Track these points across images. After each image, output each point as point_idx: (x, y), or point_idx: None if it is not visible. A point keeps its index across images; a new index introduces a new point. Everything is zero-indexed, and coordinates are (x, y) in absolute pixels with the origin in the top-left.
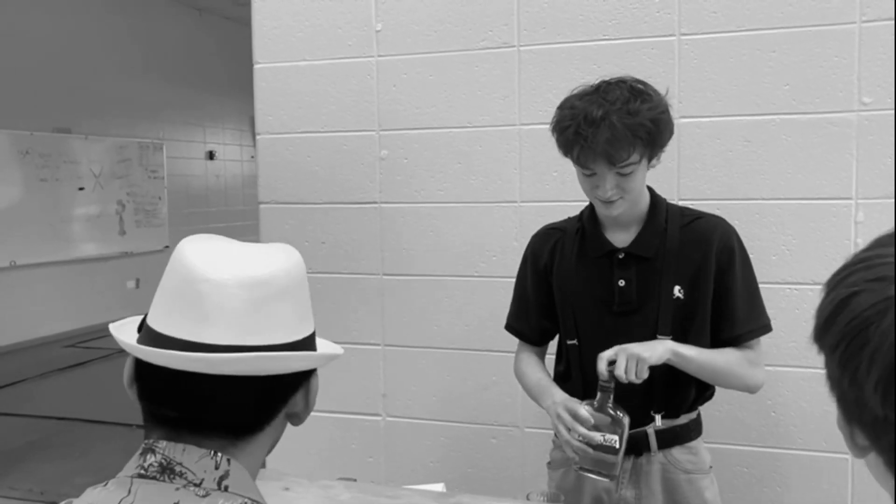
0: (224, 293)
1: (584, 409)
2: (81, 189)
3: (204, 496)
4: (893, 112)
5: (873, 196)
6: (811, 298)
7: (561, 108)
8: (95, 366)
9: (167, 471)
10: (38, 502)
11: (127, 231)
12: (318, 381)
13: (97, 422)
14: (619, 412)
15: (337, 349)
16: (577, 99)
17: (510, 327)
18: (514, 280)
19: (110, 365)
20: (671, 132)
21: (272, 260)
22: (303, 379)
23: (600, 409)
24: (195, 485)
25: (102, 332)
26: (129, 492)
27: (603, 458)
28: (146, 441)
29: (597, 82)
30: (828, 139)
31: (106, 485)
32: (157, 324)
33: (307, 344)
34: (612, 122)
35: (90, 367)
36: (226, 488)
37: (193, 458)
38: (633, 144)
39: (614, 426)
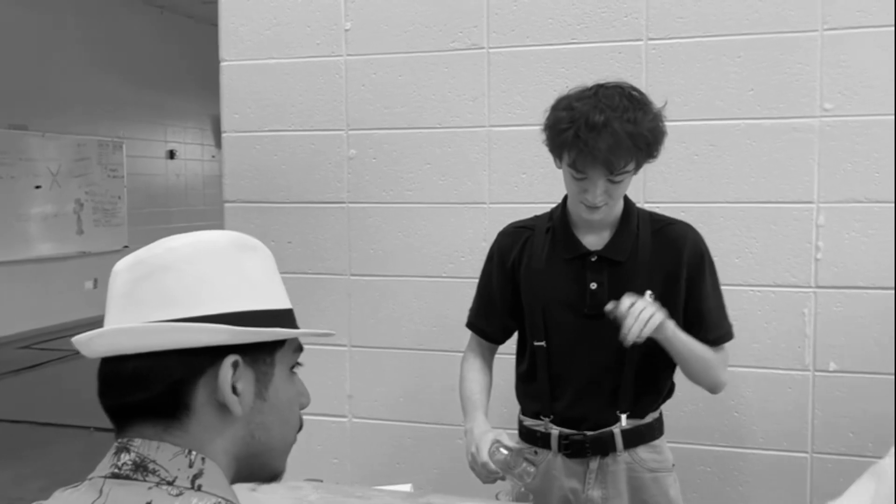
0: (115, 280)
1: (492, 466)
2: (38, 187)
3: (177, 495)
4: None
5: (834, 200)
6: (773, 300)
7: (556, 108)
8: (51, 367)
9: (140, 468)
10: None
11: (85, 230)
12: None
13: (53, 424)
14: (529, 473)
15: (235, 329)
16: (574, 100)
17: (472, 325)
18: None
19: (67, 367)
20: (663, 144)
21: (167, 242)
22: (212, 360)
23: (515, 466)
24: (168, 483)
25: (59, 334)
26: (101, 493)
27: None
28: (119, 440)
29: (592, 85)
30: (790, 144)
31: (78, 486)
32: None
33: (212, 322)
34: (614, 129)
35: (46, 368)
36: (199, 487)
37: (167, 455)
38: (632, 154)
39: (519, 477)
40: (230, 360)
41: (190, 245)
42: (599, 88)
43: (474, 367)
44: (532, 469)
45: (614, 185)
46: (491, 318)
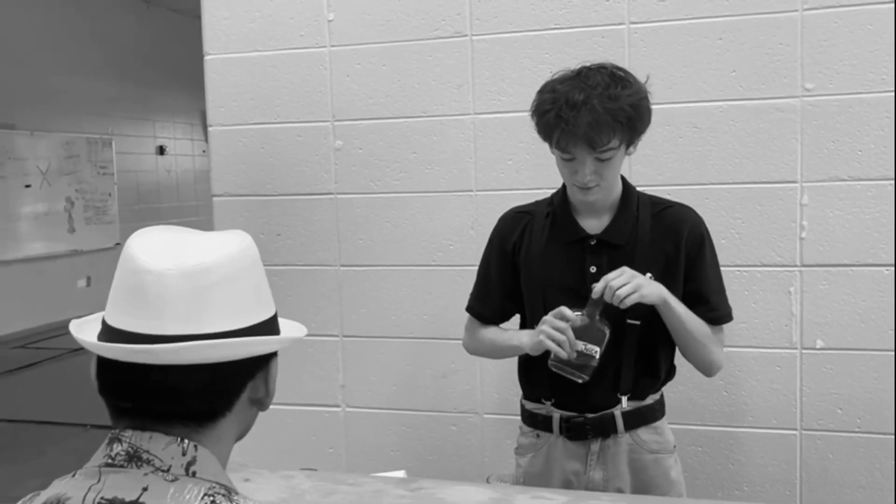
0: (165, 283)
1: (571, 312)
2: (28, 186)
3: (172, 481)
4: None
5: (817, 179)
6: (760, 280)
7: (541, 92)
8: (46, 366)
9: (134, 459)
10: None
11: (76, 228)
12: (278, 367)
13: (49, 423)
14: (604, 325)
15: (294, 332)
16: (557, 83)
17: (472, 309)
18: (471, 268)
19: (61, 365)
20: (650, 119)
21: (216, 247)
22: (261, 364)
23: (588, 318)
24: (163, 471)
25: (53, 333)
26: (99, 479)
27: (579, 363)
28: (112, 431)
29: (577, 68)
30: (773, 124)
31: (74, 475)
32: (110, 317)
33: (261, 329)
34: (593, 105)
35: (40, 367)
36: (193, 474)
37: (160, 445)
38: (614, 129)
39: (597, 336)
40: (276, 362)
41: (241, 254)
42: (583, 70)
43: (487, 329)
44: (607, 330)
45: (603, 164)
46: (489, 301)
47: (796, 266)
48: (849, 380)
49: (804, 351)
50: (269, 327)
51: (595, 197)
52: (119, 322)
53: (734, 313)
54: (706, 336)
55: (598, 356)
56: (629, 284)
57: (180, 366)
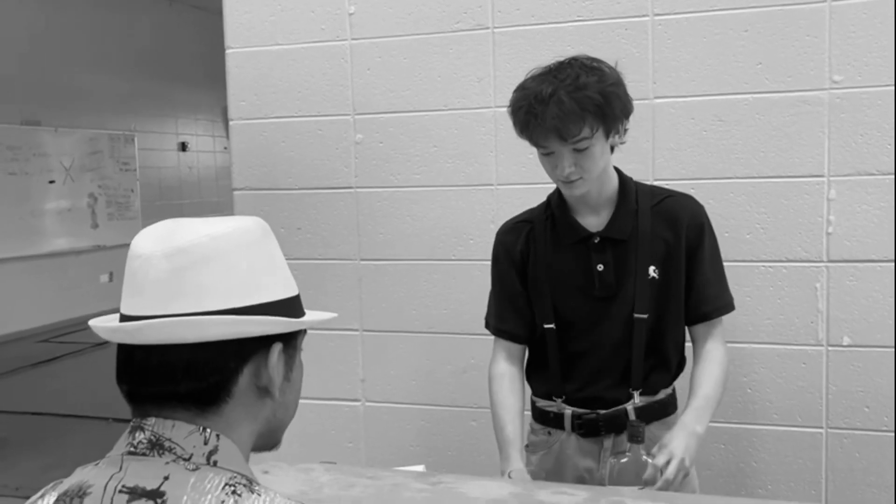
0: (149, 265)
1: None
2: (52, 182)
3: (194, 470)
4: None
5: (845, 173)
6: (785, 275)
7: (516, 90)
8: (69, 360)
9: (156, 447)
10: (14, 497)
11: (99, 224)
12: (296, 356)
13: (71, 416)
14: (649, 458)
15: (288, 321)
16: (530, 80)
17: (499, 331)
18: (490, 263)
19: (84, 359)
20: (625, 106)
21: (204, 228)
22: (255, 347)
23: (634, 460)
24: (185, 459)
25: (76, 327)
26: (121, 468)
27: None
28: (134, 420)
29: (551, 63)
30: (800, 117)
31: (97, 464)
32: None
33: (249, 312)
34: (559, 97)
35: (63, 361)
36: (215, 463)
37: (182, 433)
38: (583, 118)
39: (649, 472)
40: (278, 347)
41: (230, 235)
42: (555, 64)
43: (503, 387)
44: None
45: (581, 155)
46: (517, 317)
47: (823, 261)
48: (876, 377)
49: (830, 348)
50: (261, 311)
51: (581, 190)
52: (121, 306)
53: (759, 309)
54: (724, 383)
55: (644, 486)
56: (680, 473)
57: (159, 346)
